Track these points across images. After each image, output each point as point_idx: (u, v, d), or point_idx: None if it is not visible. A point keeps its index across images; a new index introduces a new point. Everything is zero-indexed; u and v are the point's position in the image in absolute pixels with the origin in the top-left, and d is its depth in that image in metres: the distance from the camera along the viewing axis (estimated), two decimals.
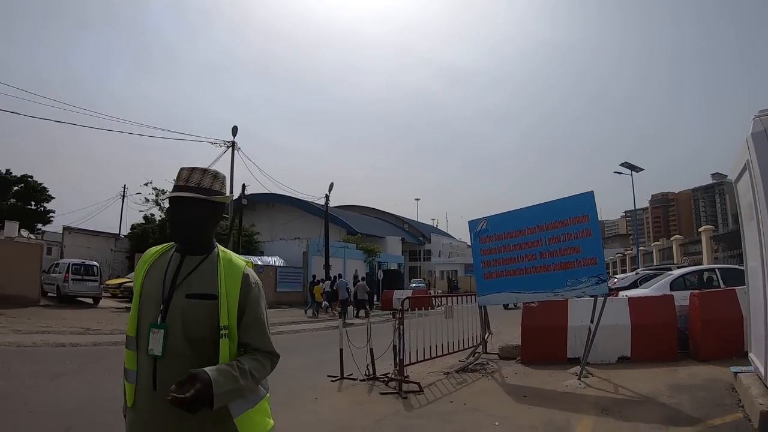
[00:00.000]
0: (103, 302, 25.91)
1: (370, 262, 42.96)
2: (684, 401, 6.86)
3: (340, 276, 29.46)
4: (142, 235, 40.86)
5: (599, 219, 9.71)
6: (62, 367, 9.77)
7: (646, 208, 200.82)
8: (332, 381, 9.18)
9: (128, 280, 28.25)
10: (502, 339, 11.92)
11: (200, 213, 2.39)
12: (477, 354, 10.92)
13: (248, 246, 36.94)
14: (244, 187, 28.53)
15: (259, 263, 33.50)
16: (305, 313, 26.42)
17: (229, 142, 29.37)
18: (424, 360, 9.69)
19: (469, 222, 11.28)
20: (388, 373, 9.04)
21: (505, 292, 10.34)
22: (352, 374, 9.30)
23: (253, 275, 2.42)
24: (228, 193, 2.59)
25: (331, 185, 36.32)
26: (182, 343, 2.25)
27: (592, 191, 9.15)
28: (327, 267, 34.22)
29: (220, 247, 2.49)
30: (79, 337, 13.96)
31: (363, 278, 29.49)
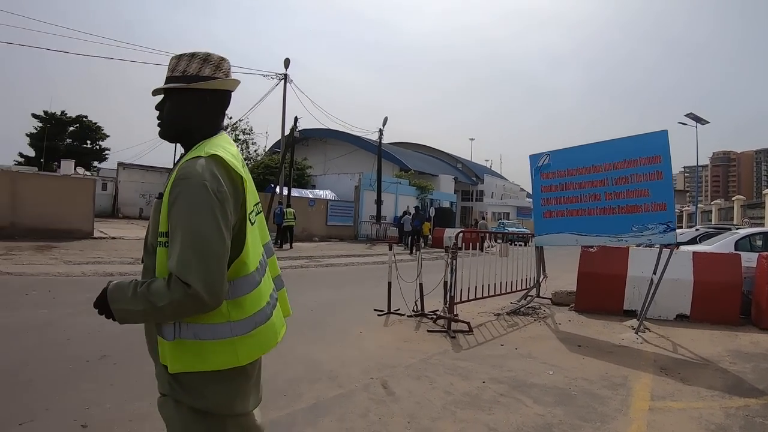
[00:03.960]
0: None
1: (423, 199, 42.44)
2: (747, 370, 6.37)
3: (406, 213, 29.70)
4: None
5: None
6: None
7: (706, 166, 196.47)
8: (379, 315, 8.92)
9: None
10: (555, 284, 11.41)
11: (178, 105, 2.07)
12: (530, 297, 10.55)
13: (300, 180, 36.85)
14: (296, 119, 27.96)
15: (311, 196, 33.38)
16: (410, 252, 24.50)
17: (281, 74, 28.76)
18: (475, 299, 9.28)
19: (529, 156, 10.59)
20: (437, 311, 8.73)
21: (564, 233, 9.76)
22: (399, 309, 9.04)
23: (193, 173, 1.86)
24: (220, 76, 2.10)
25: (385, 120, 35.73)
26: (144, 252, 2.07)
27: (666, 130, 8.37)
28: (379, 202, 34.02)
29: (204, 142, 2.04)
30: (129, 267, 13.96)
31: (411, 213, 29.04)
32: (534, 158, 10.47)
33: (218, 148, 1.97)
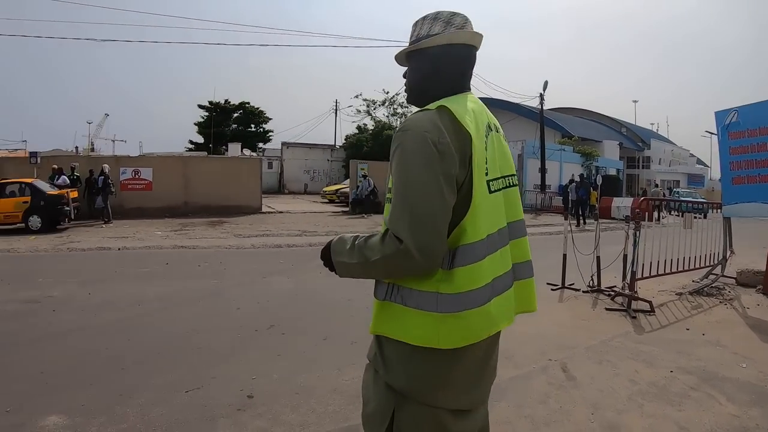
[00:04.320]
0: (321, 207, 28.49)
1: (588, 167, 40.85)
2: None
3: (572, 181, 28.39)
4: (357, 144, 44.93)
5: None
6: (275, 267, 10.19)
7: None
8: (552, 290, 8.59)
9: (343, 186, 30.53)
10: (738, 261, 10.31)
11: (414, 68, 2.00)
12: (714, 276, 9.63)
13: None
14: None
15: None
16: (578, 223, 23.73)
17: None
18: (655, 276, 8.57)
19: (715, 113, 9.55)
20: (614, 287, 8.27)
21: (757, 203, 8.76)
22: (573, 284, 8.66)
23: (413, 125, 1.72)
24: (438, 31, 1.92)
25: (545, 84, 34.50)
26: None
27: None
28: (543, 170, 33.13)
29: (442, 99, 1.83)
30: (296, 239, 14.79)
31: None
32: (720, 116, 9.44)
33: (451, 101, 1.80)
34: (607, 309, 7.50)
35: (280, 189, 45.40)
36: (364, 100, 50.20)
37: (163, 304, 7.38)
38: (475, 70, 2.04)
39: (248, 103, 56.42)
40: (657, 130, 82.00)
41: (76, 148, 51.35)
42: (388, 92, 48.66)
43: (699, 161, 72.22)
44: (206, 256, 11.51)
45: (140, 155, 26.97)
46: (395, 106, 48.50)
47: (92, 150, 54.88)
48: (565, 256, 8.81)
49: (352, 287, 7.36)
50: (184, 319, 6.64)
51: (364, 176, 25.24)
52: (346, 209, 25.13)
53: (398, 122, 48.62)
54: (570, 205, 26.01)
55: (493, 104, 46.10)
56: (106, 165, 19.77)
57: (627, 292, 7.68)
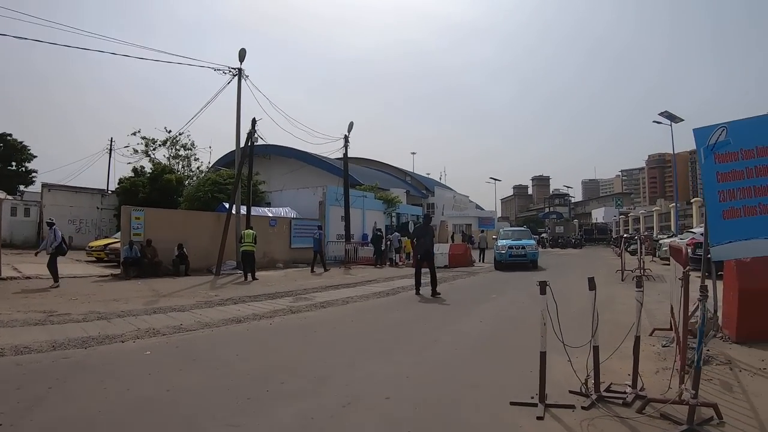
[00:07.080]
0: (85, 268, 21.60)
1: (390, 214, 39.28)
2: None
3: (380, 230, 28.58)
4: (131, 190, 37.88)
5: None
6: None
7: (642, 168, 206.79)
8: (538, 418, 4.74)
9: (115, 240, 24.65)
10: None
11: None
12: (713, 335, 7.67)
13: (253, 196, 32.60)
14: (254, 122, 23.08)
15: (270, 215, 28.73)
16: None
17: (234, 68, 23.75)
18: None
19: (694, 131, 7.05)
20: (610, 385, 5.37)
21: (760, 239, 6.35)
22: (546, 395, 5.08)
23: None
24: None
25: (351, 125, 31.40)
26: None
27: None
28: (347, 219, 30.36)
29: None
30: (34, 333, 8.59)
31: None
32: (701, 133, 6.98)
33: None
34: None
35: (39, 242, 38.12)
36: (143, 138, 44.03)
37: None
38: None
39: (10, 135, 46.90)
40: (441, 179, 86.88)
41: None
42: (170, 131, 43.58)
43: (478, 206, 78.14)
44: None
45: None
46: (177, 147, 43.87)
47: None
48: (543, 355, 5.04)
49: None
50: None
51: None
52: (118, 272, 19.71)
53: (181, 165, 43.70)
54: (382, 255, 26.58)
55: (279, 152, 43.77)
56: None
57: (688, 396, 4.42)
